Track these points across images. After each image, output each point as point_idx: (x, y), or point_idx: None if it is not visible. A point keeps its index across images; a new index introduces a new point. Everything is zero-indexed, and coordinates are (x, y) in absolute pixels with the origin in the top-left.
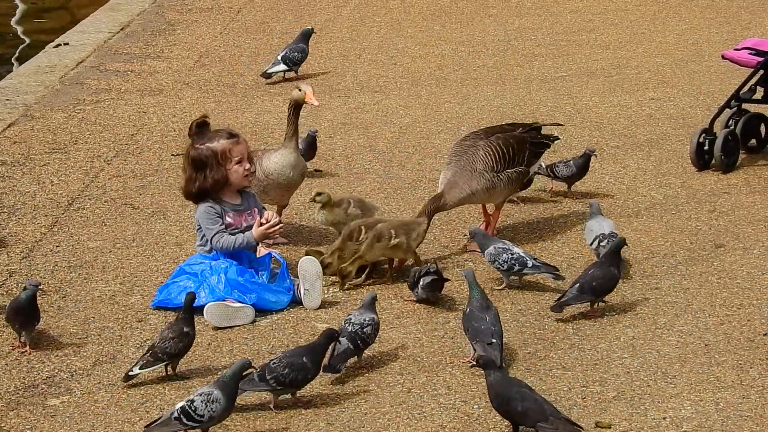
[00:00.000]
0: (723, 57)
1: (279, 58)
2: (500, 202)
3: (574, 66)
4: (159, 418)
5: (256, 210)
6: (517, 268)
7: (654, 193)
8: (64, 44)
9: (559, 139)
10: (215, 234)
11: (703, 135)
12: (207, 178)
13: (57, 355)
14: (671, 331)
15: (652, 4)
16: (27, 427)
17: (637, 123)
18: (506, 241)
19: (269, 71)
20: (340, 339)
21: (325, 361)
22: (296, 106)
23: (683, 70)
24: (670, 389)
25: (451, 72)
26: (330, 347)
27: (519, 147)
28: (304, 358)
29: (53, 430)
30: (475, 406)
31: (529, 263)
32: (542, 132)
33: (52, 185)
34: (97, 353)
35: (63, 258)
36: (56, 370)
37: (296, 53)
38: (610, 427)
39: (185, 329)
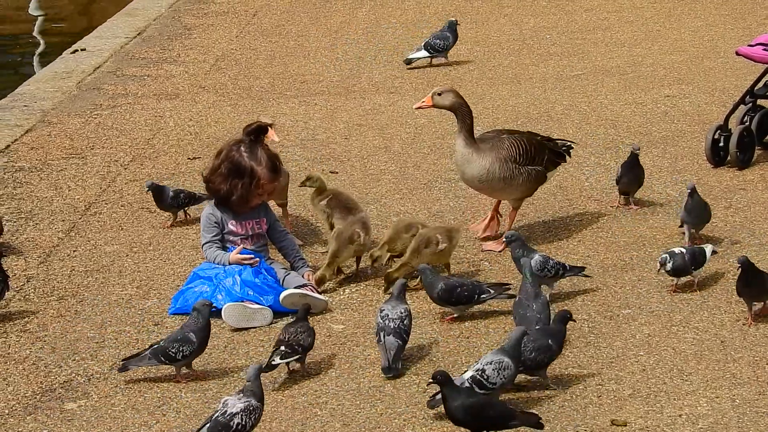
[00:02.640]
0: (737, 53)
1: (422, 44)
2: (517, 202)
3: (590, 64)
4: (435, 394)
5: (265, 220)
6: (561, 272)
7: (669, 190)
8: (81, 50)
9: (572, 148)
10: (206, 243)
11: (718, 131)
12: (236, 189)
13: (74, 359)
14: (687, 327)
15: (667, 1)
16: (44, 430)
17: (652, 120)
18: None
19: (410, 57)
20: (386, 337)
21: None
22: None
23: (698, 67)
24: (686, 386)
25: (466, 72)
26: (384, 351)
27: (539, 148)
28: (549, 341)
29: None
30: None
31: (567, 266)
32: (558, 144)
33: (69, 190)
34: (114, 357)
35: (80, 263)
36: (73, 374)
37: (438, 40)
38: (625, 425)
39: (310, 326)
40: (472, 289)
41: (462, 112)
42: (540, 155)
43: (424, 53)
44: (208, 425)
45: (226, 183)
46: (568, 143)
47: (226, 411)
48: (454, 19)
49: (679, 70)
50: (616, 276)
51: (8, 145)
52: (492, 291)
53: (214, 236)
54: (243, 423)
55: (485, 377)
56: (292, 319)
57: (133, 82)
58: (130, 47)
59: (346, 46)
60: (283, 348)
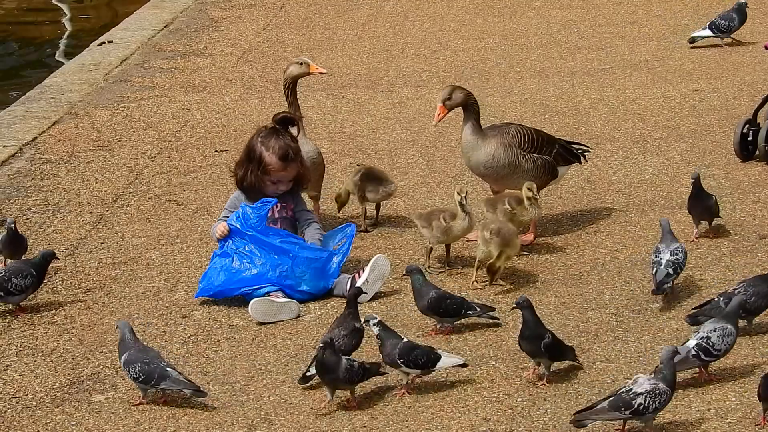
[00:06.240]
0: (766, 48)
1: (707, 24)
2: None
3: (618, 58)
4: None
5: (293, 206)
6: (653, 271)
7: None
8: (108, 42)
9: (589, 151)
10: (219, 219)
11: (747, 126)
12: (247, 173)
13: (102, 352)
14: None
15: None
16: (72, 423)
17: (680, 114)
18: (673, 243)
19: (695, 35)
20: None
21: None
22: (293, 86)
23: (727, 61)
24: (715, 380)
25: (494, 65)
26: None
27: (548, 140)
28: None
29: (98, 426)
30: (519, 399)
31: (654, 269)
32: (574, 146)
33: (96, 182)
34: None
35: (107, 255)
36: (101, 367)
37: (723, 21)
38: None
39: (356, 325)
40: (460, 303)
41: (471, 103)
42: (548, 147)
43: (708, 32)
44: (610, 398)
45: (241, 167)
46: (585, 147)
47: (631, 389)
48: (744, 1)
49: (707, 65)
50: (644, 270)
51: (35, 137)
52: (478, 309)
53: (227, 216)
54: (645, 405)
55: (711, 344)
56: (321, 309)
57: (160, 75)
58: (157, 39)
59: (374, 39)
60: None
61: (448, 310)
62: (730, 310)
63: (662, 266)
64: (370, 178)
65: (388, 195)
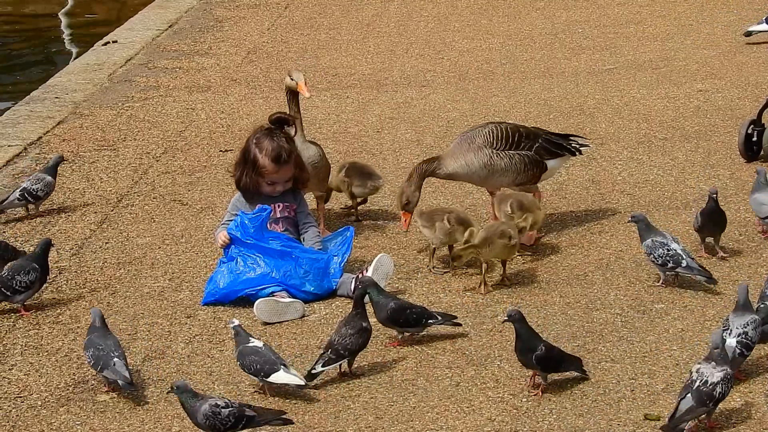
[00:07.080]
0: None
1: (764, 18)
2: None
3: (622, 58)
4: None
5: (295, 206)
6: (670, 265)
7: (702, 184)
8: (113, 42)
9: (588, 145)
10: (221, 224)
11: (752, 126)
12: (243, 175)
13: None
14: (720, 322)
15: None
16: (77, 422)
17: (685, 115)
18: (666, 235)
19: (751, 29)
20: (689, 260)
21: None
22: (292, 93)
23: (731, 62)
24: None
25: (498, 66)
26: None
27: (528, 135)
28: None
29: (103, 425)
30: (524, 399)
31: (683, 263)
32: (570, 140)
33: (101, 182)
34: (147, 349)
35: (112, 255)
36: None
37: None
38: (659, 420)
39: (363, 324)
40: (421, 313)
41: (425, 174)
42: (528, 142)
43: (765, 26)
44: (689, 396)
45: (238, 169)
46: (581, 140)
47: (706, 381)
48: None
49: (711, 65)
50: (649, 271)
51: (40, 137)
52: (439, 318)
53: (230, 220)
54: (723, 392)
55: (749, 338)
56: (326, 309)
57: (164, 75)
58: (162, 39)
59: (378, 39)
60: (328, 353)
61: (408, 321)
62: (744, 301)
63: (684, 257)
64: (356, 172)
65: (376, 189)
